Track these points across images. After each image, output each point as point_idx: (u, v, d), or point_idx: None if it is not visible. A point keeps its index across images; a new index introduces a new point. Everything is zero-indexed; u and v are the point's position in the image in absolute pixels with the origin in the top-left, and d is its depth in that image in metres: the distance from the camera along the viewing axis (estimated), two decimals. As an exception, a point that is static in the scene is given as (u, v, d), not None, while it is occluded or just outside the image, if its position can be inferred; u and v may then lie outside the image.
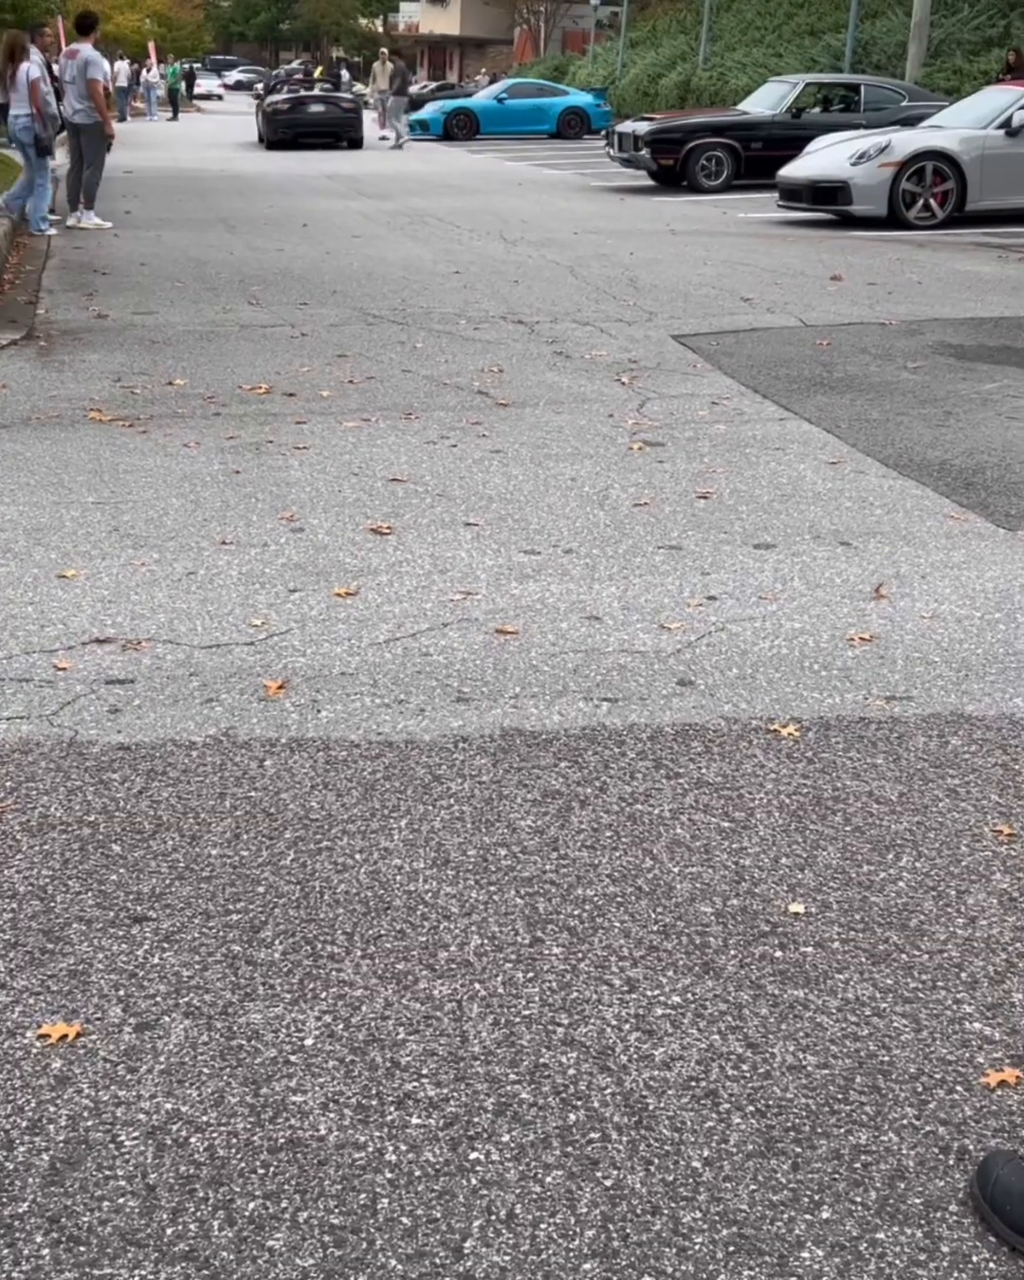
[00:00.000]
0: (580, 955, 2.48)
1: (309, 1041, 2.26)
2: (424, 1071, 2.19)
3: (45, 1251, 1.85)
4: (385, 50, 34.81)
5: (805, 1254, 1.86)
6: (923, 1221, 1.92)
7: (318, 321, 8.77)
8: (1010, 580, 4.36)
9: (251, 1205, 1.93)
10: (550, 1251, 1.86)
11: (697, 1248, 1.87)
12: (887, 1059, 2.23)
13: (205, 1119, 2.09)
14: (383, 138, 30.79)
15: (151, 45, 47.19)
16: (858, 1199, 1.95)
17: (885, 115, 17.42)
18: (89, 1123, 2.08)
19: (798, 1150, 2.04)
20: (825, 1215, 1.93)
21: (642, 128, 18.61)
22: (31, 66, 12.20)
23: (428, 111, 32.43)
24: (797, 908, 2.63)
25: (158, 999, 2.35)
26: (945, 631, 3.96)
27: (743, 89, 24.56)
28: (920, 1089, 2.17)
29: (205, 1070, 2.19)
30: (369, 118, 32.81)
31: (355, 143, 29.26)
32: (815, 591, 4.26)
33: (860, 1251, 1.87)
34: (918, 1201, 1.95)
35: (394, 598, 4.18)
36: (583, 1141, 2.05)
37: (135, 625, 3.94)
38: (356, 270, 10.96)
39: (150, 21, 54.31)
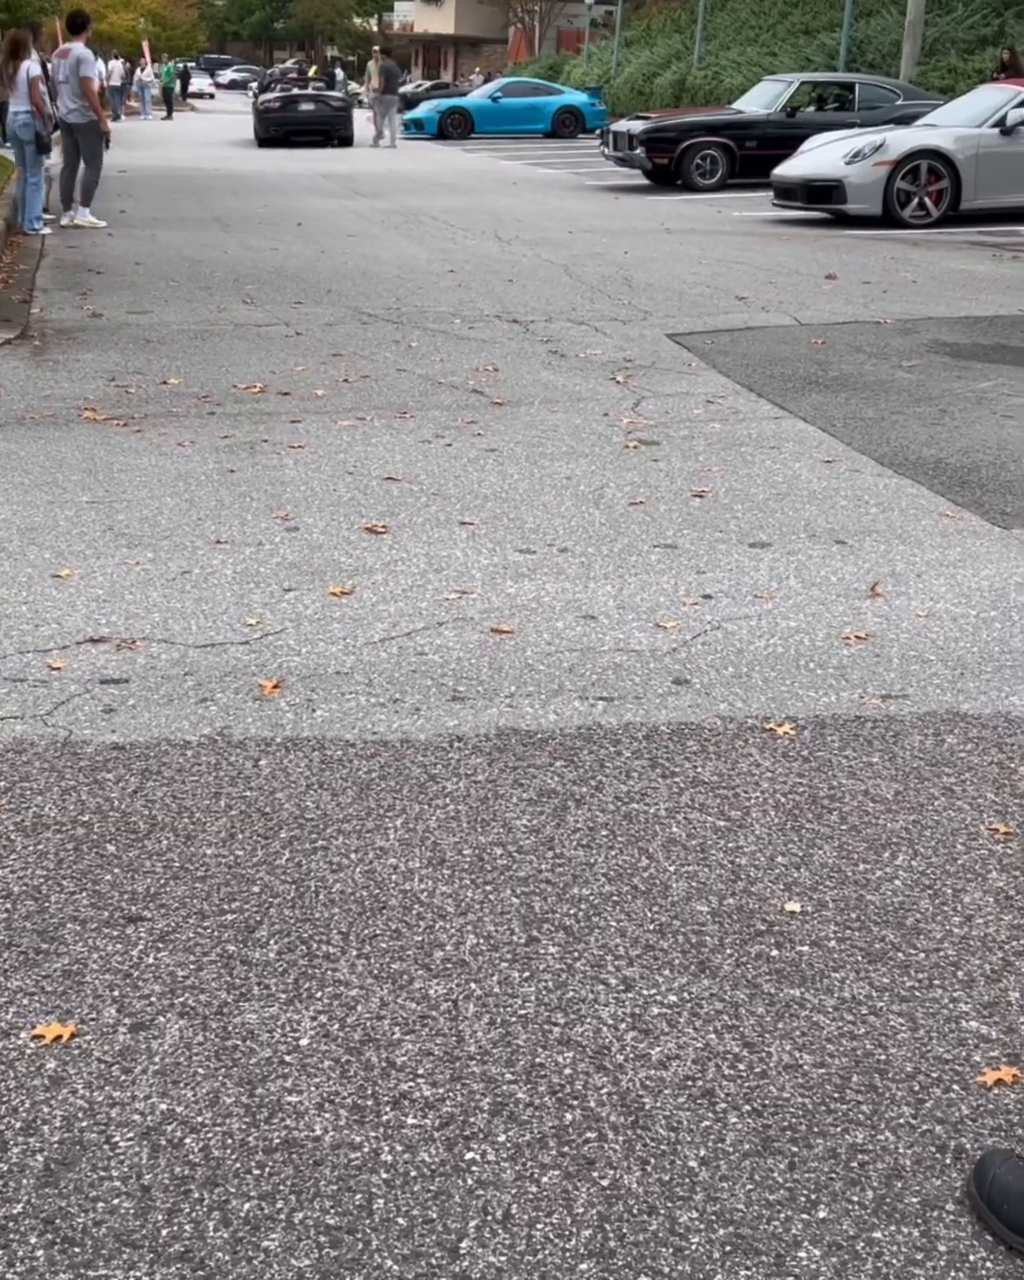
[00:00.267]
0: (576, 954, 2.48)
1: (304, 1041, 2.25)
2: (420, 1071, 2.19)
3: (40, 1253, 1.85)
4: (377, 49, 34.85)
5: (803, 1253, 1.86)
6: (920, 1221, 1.92)
7: (312, 320, 8.76)
8: (1005, 578, 4.36)
9: (247, 1206, 1.93)
10: (547, 1251, 1.86)
11: (693, 1247, 1.87)
12: (883, 1058, 2.23)
13: (200, 1119, 2.09)
14: (378, 139, 30.80)
15: (146, 44, 47.15)
16: (855, 1198, 1.95)
17: (880, 114, 17.41)
18: (84, 1123, 2.07)
19: (795, 1149, 2.04)
20: (822, 1215, 1.92)
21: (636, 127, 18.61)
22: (31, 64, 12.23)
23: (422, 110, 32.54)
24: (793, 906, 2.63)
25: (152, 999, 2.35)
26: (941, 630, 3.95)
27: (737, 88, 24.57)
28: (917, 1088, 2.16)
29: (200, 1070, 2.18)
30: (363, 117, 32.88)
31: (346, 140, 29.93)
32: (811, 590, 4.26)
33: (857, 1251, 1.87)
34: (915, 1201, 1.95)
35: (389, 597, 4.17)
36: (579, 1141, 2.05)
37: (130, 625, 3.94)
38: (351, 269, 10.95)
39: (144, 21, 54.27)
